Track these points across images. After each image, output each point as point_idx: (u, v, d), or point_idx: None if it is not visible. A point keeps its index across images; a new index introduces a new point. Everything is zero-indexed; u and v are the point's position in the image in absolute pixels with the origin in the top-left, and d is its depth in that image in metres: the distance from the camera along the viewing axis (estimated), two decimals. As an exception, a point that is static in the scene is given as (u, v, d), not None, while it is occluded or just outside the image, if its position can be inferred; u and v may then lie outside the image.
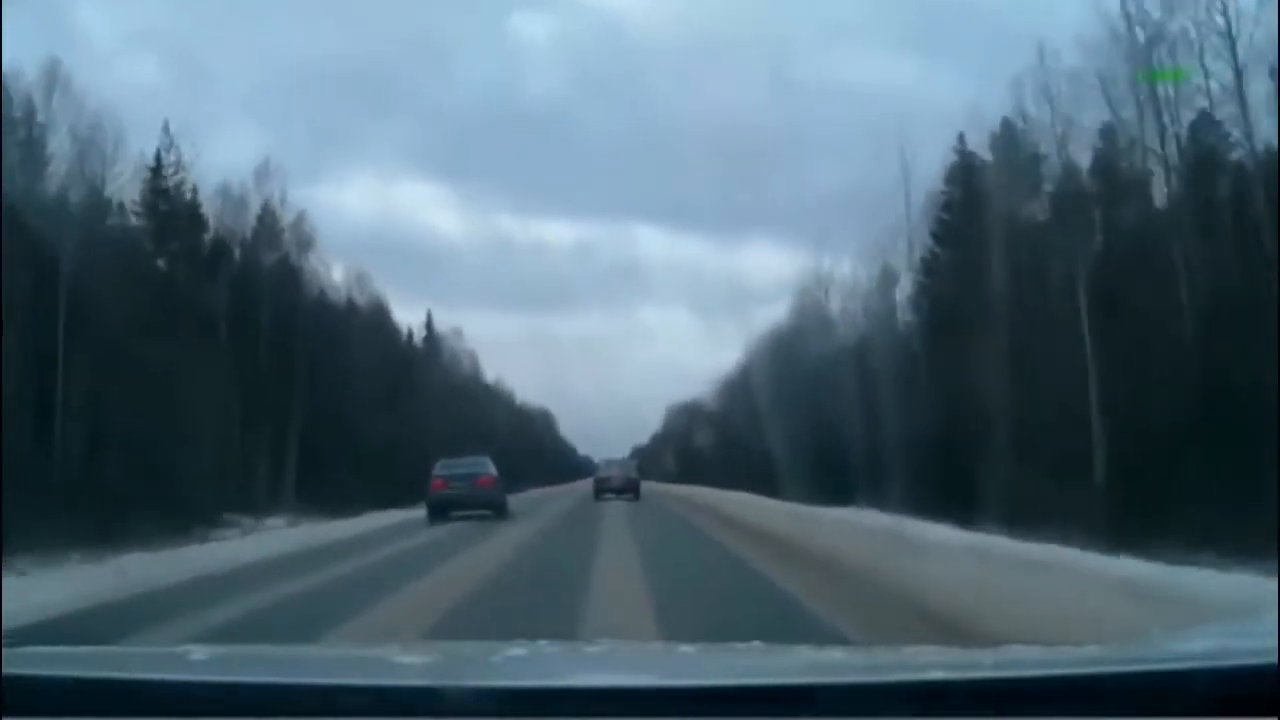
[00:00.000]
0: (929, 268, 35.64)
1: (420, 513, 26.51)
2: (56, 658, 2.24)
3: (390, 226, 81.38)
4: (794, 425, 35.79)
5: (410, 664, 2.31)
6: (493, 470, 27.21)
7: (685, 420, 77.46)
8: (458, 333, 65.50)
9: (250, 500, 33.09)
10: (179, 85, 57.87)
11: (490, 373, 74.42)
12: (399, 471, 40.87)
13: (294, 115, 71.91)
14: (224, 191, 39.41)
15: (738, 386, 53.94)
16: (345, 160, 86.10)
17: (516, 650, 2.41)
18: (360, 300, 49.45)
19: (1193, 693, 1.72)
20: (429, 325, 62.29)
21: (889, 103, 58.29)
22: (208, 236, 38.29)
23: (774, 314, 50.50)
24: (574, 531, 21.87)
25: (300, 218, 41.68)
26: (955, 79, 64.87)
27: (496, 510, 25.68)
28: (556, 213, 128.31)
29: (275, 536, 22.36)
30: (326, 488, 35.15)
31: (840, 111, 66.75)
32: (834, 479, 30.99)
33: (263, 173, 40.48)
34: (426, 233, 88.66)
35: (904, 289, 37.49)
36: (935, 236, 35.20)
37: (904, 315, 37.62)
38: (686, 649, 2.83)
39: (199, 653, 2.26)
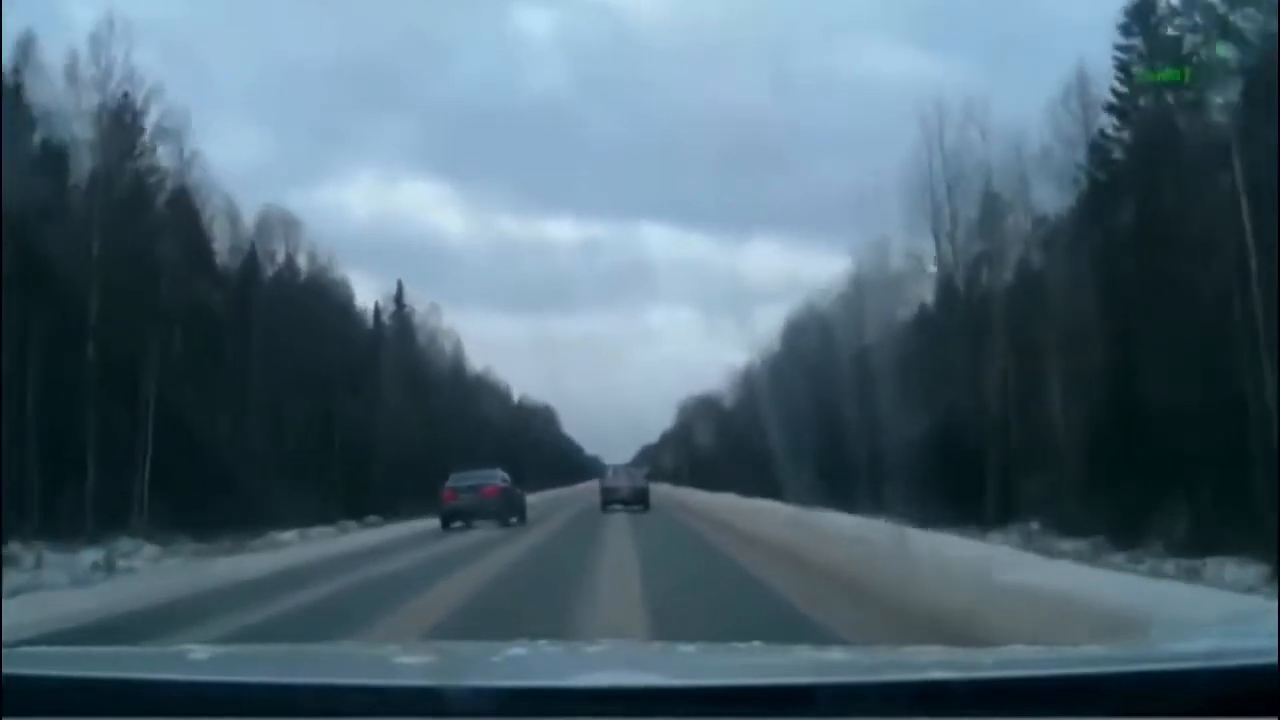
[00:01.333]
0: (1099, 157, 27.24)
1: (355, 541, 22.90)
2: (56, 658, 2.24)
3: (392, 226, 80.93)
4: (847, 417, 29.94)
5: (411, 664, 2.32)
6: (500, 481, 28.69)
7: (700, 416, 70.44)
8: (435, 310, 54.24)
9: (66, 520, 23.14)
10: (176, 82, 57.33)
11: (480, 362, 65.95)
12: (342, 476, 34.05)
13: (294, 113, 71.50)
14: (25, 45, 25.32)
15: (764, 376, 47.15)
16: (346, 159, 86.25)
17: (517, 650, 2.42)
18: (299, 259, 37.98)
19: (1193, 693, 1.72)
20: (399, 299, 50.25)
21: (899, 90, 57.57)
22: (35, 136, 26.30)
23: (783, 311, 48.02)
24: (564, 572, 14.64)
25: (146, 96, 27.81)
26: (963, 70, 64.37)
27: (501, 517, 26.79)
28: (560, 211, 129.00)
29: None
30: (208, 501, 25.31)
31: (849, 98, 66.29)
32: (906, 484, 24.55)
33: (103, 35, 26.89)
34: (428, 232, 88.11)
35: (1026, 216, 30.22)
36: (1115, 109, 27.63)
37: (1031, 250, 30.15)
38: (687, 649, 2.83)
39: (199, 652, 2.27)
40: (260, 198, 38.71)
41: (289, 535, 24.26)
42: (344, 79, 75.73)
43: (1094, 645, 2.34)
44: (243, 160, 68.69)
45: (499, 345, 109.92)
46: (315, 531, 25.75)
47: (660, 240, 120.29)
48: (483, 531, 24.54)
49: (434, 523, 27.05)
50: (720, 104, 74.35)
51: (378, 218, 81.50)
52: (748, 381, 52.88)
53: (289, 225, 37.60)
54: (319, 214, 74.82)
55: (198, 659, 2.17)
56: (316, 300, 37.97)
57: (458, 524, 25.94)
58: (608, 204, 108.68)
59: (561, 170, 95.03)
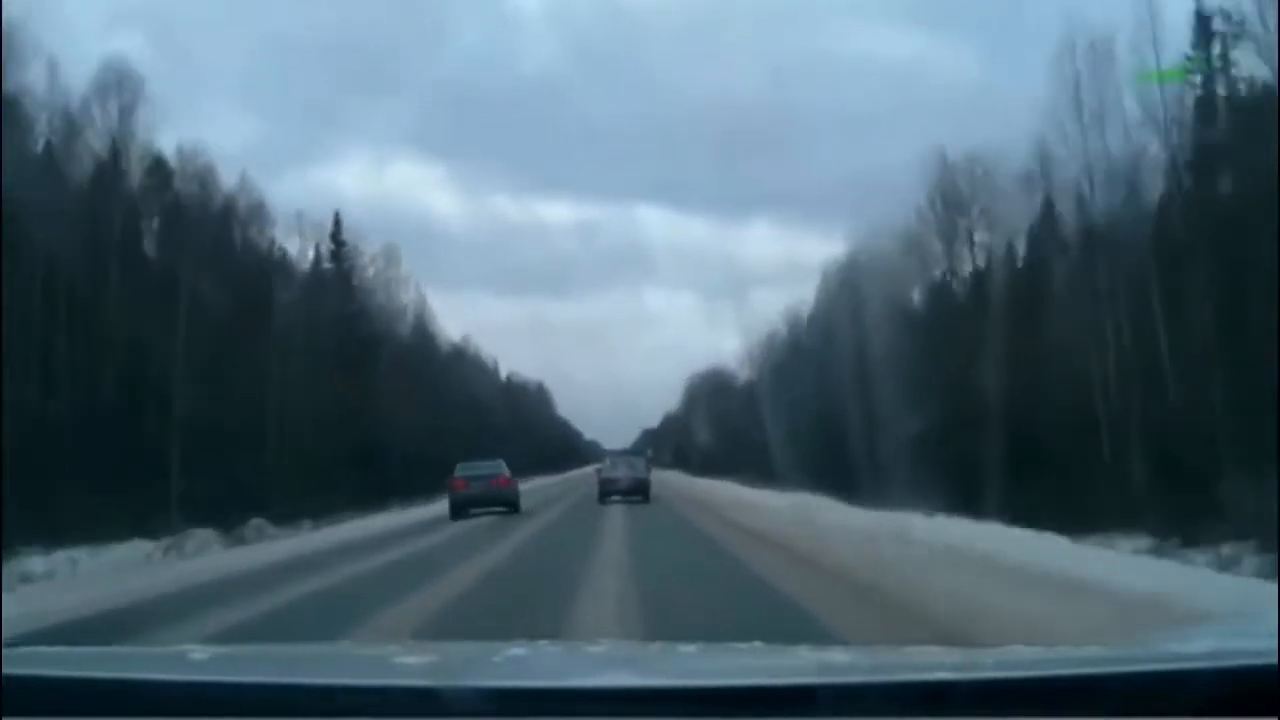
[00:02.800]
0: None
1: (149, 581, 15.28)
2: (57, 658, 2.24)
3: (384, 207, 79.74)
4: (899, 391, 24.15)
5: (411, 664, 2.32)
6: (507, 471, 29.81)
7: (710, 395, 62.94)
8: (393, 255, 43.54)
9: None
10: (165, 61, 56.13)
11: (471, 336, 58.41)
12: (208, 466, 24.13)
13: (284, 92, 70.38)
14: None
15: (789, 346, 42.32)
16: (337, 140, 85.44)
17: (517, 650, 2.42)
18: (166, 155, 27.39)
19: (1193, 693, 1.72)
20: (336, 236, 38.58)
21: (899, 72, 56.53)
22: None
23: (784, 297, 45.99)
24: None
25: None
26: (966, 52, 63.54)
27: (511, 505, 28.29)
28: (556, 193, 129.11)
29: None
30: None
31: (849, 80, 65.56)
32: (963, 474, 20.66)
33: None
34: (422, 214, 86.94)
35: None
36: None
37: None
38: (687, 649, 2.82)
39: (199, 653, 2.27)
40: (251, 181, 32.46)
41: (59, 561, 16.02)
42: (335, 58, 75.04)
43: (1094, 645, 2.34)
44: (232, 142, 67.92)
45: (494, 329, 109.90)
46: (118, 554, 16.91)
47: (658, 223, 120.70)
48: (424, 540, 20.13)
49: (359, 530, 23.55)
50: (718, 84, 73.96)
51: (370, 200, 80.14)
52: (770, 352, 47.46)
53: (125, 81, 24.62)
54: (310, 196, 74.00)
55: (197, 659, 2.17)
56: (196, 222, 27.32)
57: (473, 511, 27.23)
58: (604, 186, 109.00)
59: (557, 151, 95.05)
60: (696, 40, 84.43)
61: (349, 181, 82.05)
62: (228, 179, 31.26)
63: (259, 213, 32.71)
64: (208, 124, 61.72)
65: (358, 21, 79.14)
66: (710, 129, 67.23)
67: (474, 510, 27.13)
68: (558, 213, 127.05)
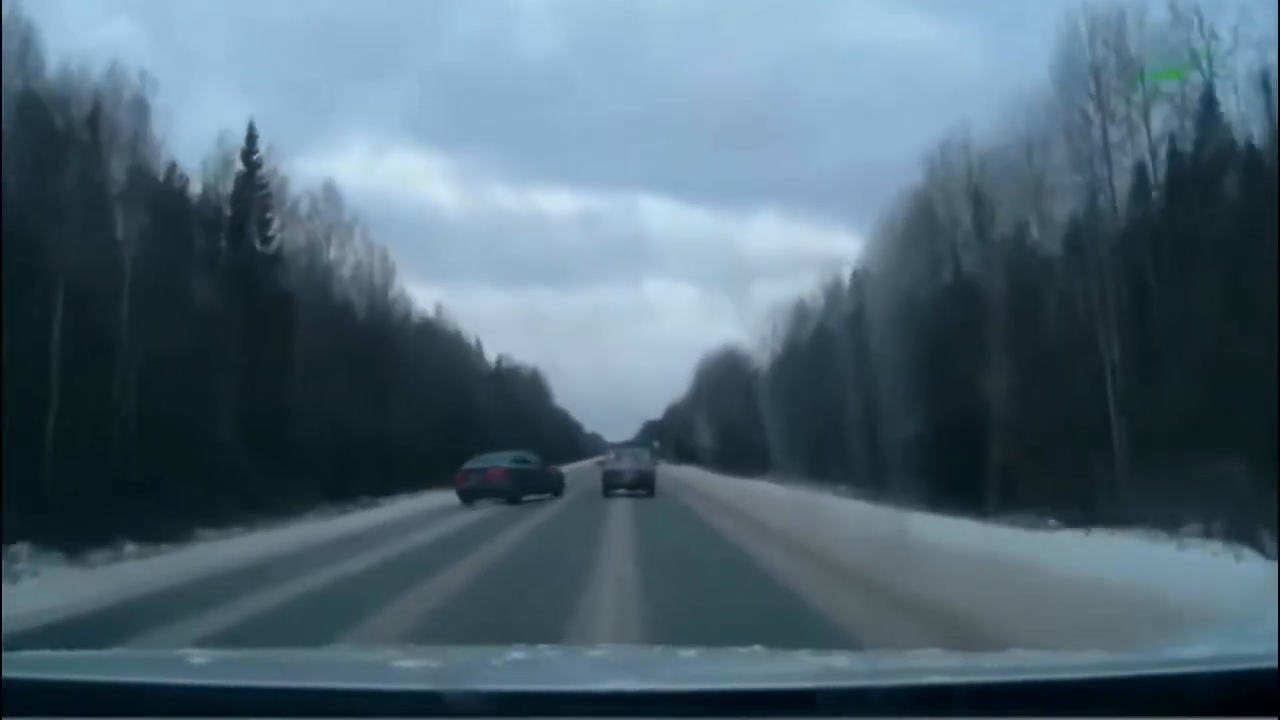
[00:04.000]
0: None
1: None
2: (56, 661, 2.24)
3: (381, 198, 78.26)
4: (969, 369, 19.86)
5: (411, 668, 2.31)
6: (507, 464, 30.41)
7: (720, 380, 56.50)
8: (331, 192, 33.45)
9: None
10: (155, 46, 54.94)
11: (453, 316, 49.80)
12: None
13: (278, 79, 68.35)
14: None
15: (823, 317, 37.68)
16: (332, 128, 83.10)
17: (517, 654, 2.42)
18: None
19: (1194, 696, 1.72)
20: (247, 156, 28.61)
21: (903, 60, 55.42)
22: None
23: (788, 289, 42.45)
24: None
25: None
26: (972, 39, 62.49)
27: (511, 496, 28.48)
28: (556, 183, 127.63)
29: None
30: None
31: (853, 68, 64.46)
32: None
33: None
34: (420, 204, 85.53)
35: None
36: None
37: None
38: (687, 653, 2.82)
39: (198, 656, 2.26)
40: (126, 76, 23.82)
41: None
42: (331, 45, 73.03)
43: (1095, 650, 2.34)
44: (223, 130, 66.70)
45: (492, 319, 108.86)
46: None
47: (660, 214, 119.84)
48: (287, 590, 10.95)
49: (213, 558, 14.02)
50: (720, 73, 72.42)
51: (364, 187, 77.80)
52: (799, 326, 42.31)
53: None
54: (304, 185, 72.38)
55: (197, 663, 2.17)
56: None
57: (479, 502, 27.74)
58: (605, 176, 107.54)
59: (557, 140, 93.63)
60: (699, 29, 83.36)
61: (346, 170, 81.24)
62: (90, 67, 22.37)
63: (138, 118, 23.54)
64: (200, 112, 60.52)
65: (354, 7, 78.34)
66: (713, 118, 66.42)
67: (478, 501, 27.88)
68: (557, 203, 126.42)
